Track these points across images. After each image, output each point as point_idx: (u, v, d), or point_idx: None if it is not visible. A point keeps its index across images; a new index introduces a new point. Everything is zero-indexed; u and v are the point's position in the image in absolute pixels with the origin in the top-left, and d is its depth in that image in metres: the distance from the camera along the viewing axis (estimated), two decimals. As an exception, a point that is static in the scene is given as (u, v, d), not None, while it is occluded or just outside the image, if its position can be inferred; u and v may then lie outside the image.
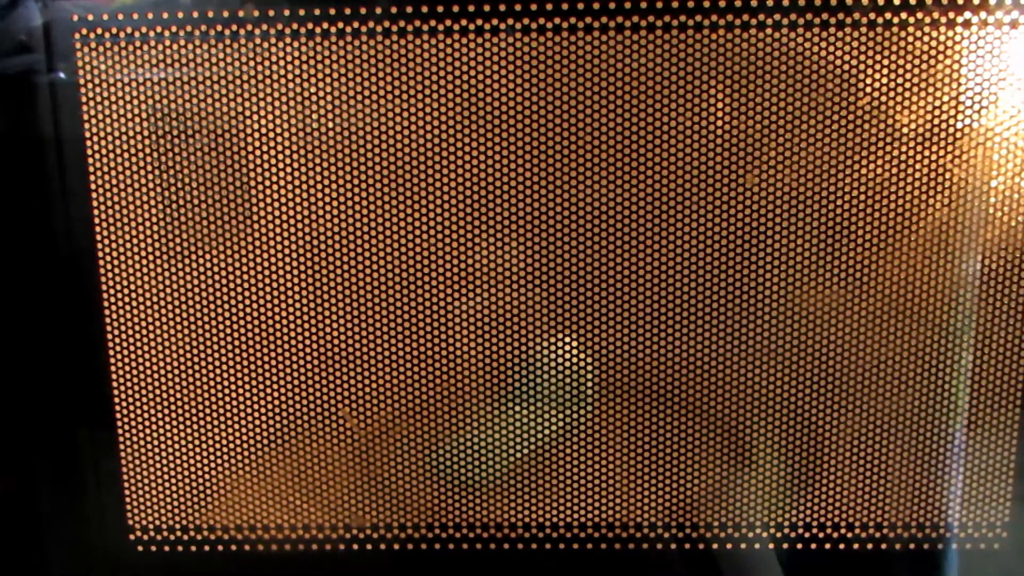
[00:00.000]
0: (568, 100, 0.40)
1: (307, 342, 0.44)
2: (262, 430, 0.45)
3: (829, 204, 0.41)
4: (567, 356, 0.43)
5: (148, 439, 0.45)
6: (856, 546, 0.45)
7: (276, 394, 0.44)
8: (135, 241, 0.43)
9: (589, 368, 0.44)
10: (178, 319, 0.43)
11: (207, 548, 0.46)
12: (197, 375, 0.44)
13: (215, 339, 0.44)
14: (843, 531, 0.45)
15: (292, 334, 0.44)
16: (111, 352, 0.44)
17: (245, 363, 0.44)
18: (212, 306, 0.43)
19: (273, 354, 0.44)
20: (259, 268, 0.43)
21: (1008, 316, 0.42)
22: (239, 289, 0.43)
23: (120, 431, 0.45)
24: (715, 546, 0.45)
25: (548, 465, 0.45)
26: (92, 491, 0.46)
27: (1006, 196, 0.41)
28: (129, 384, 0.44)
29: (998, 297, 0.42)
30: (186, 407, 0.45)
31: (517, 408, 0.44)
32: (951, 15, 0.39)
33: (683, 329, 0.43)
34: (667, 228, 0.41)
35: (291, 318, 0.43)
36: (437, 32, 0.40)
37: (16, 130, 0.41)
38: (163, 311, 0.43)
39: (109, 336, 0.44)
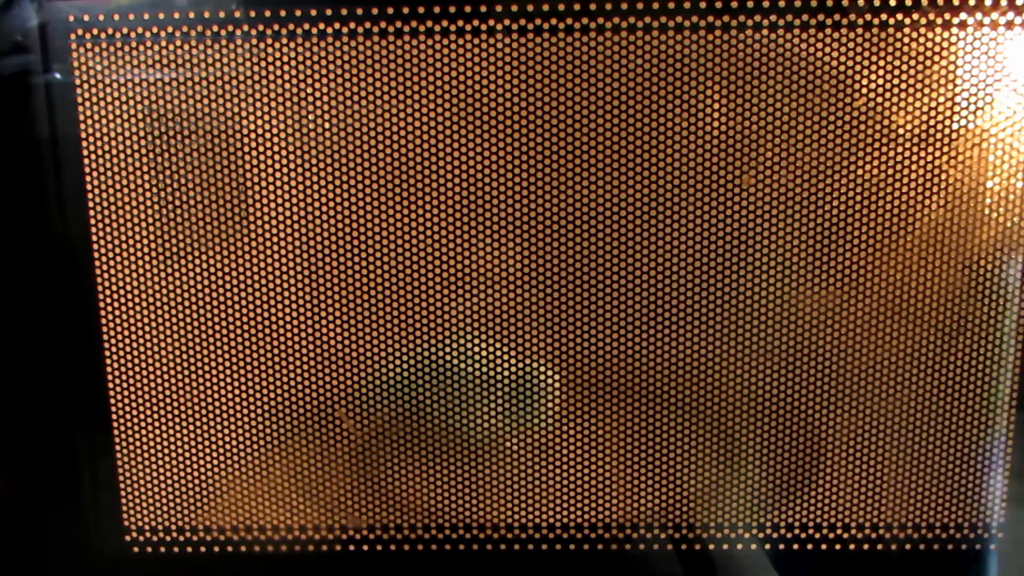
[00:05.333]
0: (564, 101, 0.40)
1: (303, 343, 0.44)
2: (258, 431, 0.45)
3: (825, 205, 0.41)
4: (563, 356, 0.43)
5: (144, 440, 0.45)
6: (852, 547, 0.45)
7: (272, 395, 0.44)
8: (131, 242, 0.43)
9: (584, 367, 0.44)
10: (174, 320, 0.43)
11: (203, 549, 0.46)
12: (193, 376, 0.44)
13: (211, 340, 0.44)
14: (840, 531, 0.45)
15: (288, 335, 0.43)
16: (107, 353, 0.44)
17: (241, 364, 0.44)
18: (208, 307, 0.43)
19: (269, 355, 0.44)
20: (255, 269, 0.43)
21: (1005, 316, 0.42)
22: (235, 290, 0.43)
23: (116, 432, 0.45)
24: (711, 547, 0.45)
25: (544, 465, 0.45)
26: (88, 492, 0.46)
27: (1002, 197, 0.41)
28: (125, 385, 0.44)
29: (994, 297, 0.42)
30: (182, 408, 0.45)
31: (511, 407, 0.44)
32: (947, 16, 0.39)
33: (681, 328, 0.43)
34: (663, 229, 0.41)
35: (287, 319, 0.43)
36: (433, 33, 0.40)
37: (12, 130, 0.41)
38: (159, 312, 0.43)
39: (105, 337, 0.44)
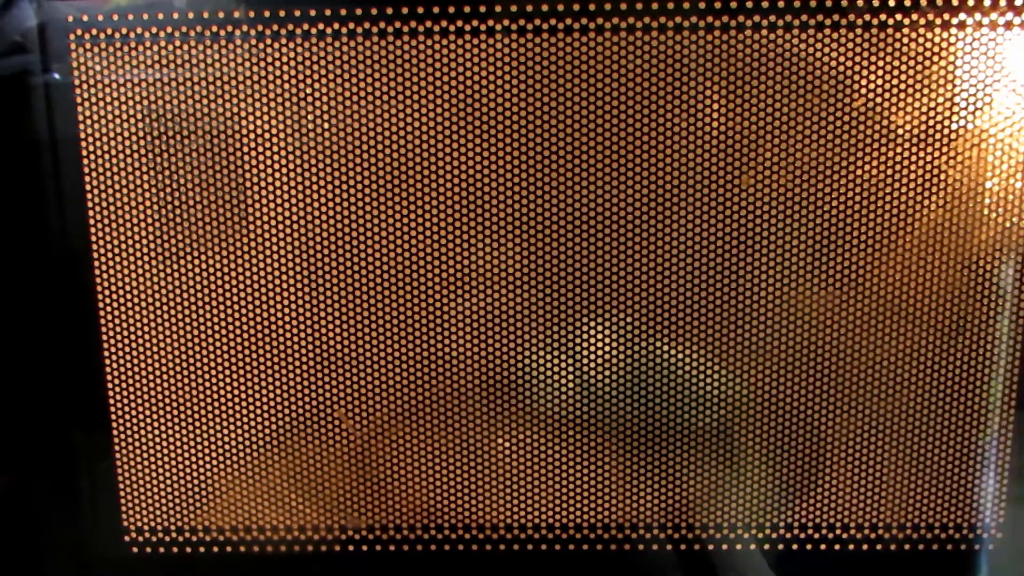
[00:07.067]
0: (564, 102, 0.40)
1: (302, 343, 0.44)
2: (257, 431, 0.45)
3: (825, 205, 0.41)
4: (562, 356, 0.43)
5: (143, 440, 0.45)
6: (851, 547, 0.45)
7: (271, 395, 0.44)
8: (131, 242, 0.43)
9: (583, 368, 0.44)
10: (174, 320, 0.43)
11: (202, 549, 0.46)
12: (192, 376, 0.44)
13: (210, 341, 0.44)
14: (839, 532, 0.45)
15: (287, 335, 0.43)
16: (107, 353, 0.44)
17: (241, 364, 0.44)
18: (207, 308, 0.43)
19: (268, 355, 0.44)
20: (254, 269, 0.43)
21: (1004, 316, 0.42)
22: (234, 290, 0.43)
23: (115, 433, 0.45)
24: (711, 547, 0.45)
25: (543, 465, 0.45)
26: (87, 493, 0.46)
27: (1001, 197, 0.41)
28: (124, 385, 0.44)
29: (993, 298, 0.42)
30: (181, 408, 0.45)
31: (512, 407, 0.44)
32: (946, 16, 0.39)
33: (680, 328, 0.43)
34: (664, 229, 0.41)
35: (286, 319, 0.43)
36: (433, 33, 0.40)
37: (11, 131, 0.41)
38: (159, 312, 0.43)
39: (104, 338, 0.44)
